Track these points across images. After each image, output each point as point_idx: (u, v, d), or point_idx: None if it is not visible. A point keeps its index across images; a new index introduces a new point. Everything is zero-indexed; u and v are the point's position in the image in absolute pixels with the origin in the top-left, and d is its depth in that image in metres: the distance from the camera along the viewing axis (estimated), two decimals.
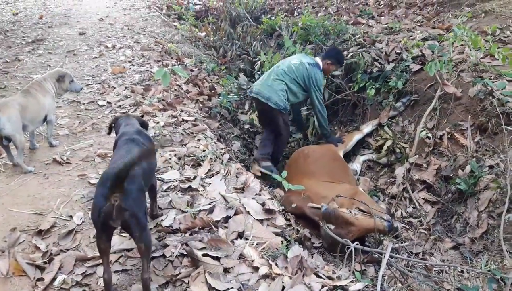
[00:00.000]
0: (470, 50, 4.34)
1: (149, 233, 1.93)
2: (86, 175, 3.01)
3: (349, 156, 4.85)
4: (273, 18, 7.90)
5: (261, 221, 2.67)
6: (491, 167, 3.37)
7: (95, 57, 5.90)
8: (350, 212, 2.83)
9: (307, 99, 4.96)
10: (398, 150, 4.29)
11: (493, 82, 3.88)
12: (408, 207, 3.72)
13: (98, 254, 2.16)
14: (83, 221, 2.53)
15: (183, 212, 2.58)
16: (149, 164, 2.12)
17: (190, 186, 2.88)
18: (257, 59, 6.60)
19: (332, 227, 2.78)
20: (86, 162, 3.20)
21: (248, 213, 2.68)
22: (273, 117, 4.47)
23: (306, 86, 4.45)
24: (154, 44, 6.72)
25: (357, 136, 4.79)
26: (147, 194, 2.48)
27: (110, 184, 1.73)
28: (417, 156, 4.01)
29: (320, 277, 2.21)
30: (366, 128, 4.87)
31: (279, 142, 4.67)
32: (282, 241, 2.51)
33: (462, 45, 4.68)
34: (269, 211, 2.77)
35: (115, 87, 4.67)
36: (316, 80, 4.38)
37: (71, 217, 2.56)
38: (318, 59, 4.52)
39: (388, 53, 5.30)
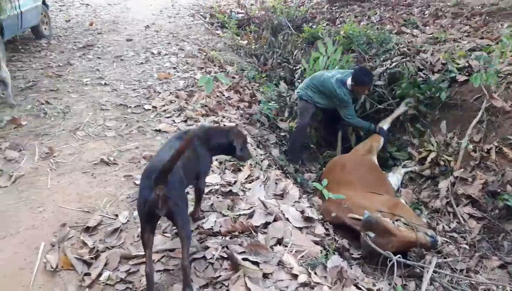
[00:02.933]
0: None
1: (189, 222, 2.11)
2: (132, 175, 3.11)
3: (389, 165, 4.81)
4: (314, 26, 7.90)
5: (300, 228, 2.66)
6: None
7: (141, 63, 6.10)
8: (394, 222, 2.78)
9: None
10: (442, 163, 4.17)
11: None
12: (452, 222, 3.59)
13: (141, 253, 2.24)
14: (128, 220, 2.61)
15: (223, 215, 2.62)
16: (190, 163, 2.23)
17: (230, 190, 2.92)
18: (298, 67, 6.62)
19: (373, 235, 2.73)
20: (132, 163, 3.31)
21: (287, 219, 2.68)
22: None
23: (333, 100, 4.71)
24: (197, 52, 6.87)
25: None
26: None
27: (155, 176, 1.85)
28: (462, 169, 3.88)
29: (360, 289, 2.18)
30: (385, 125, 4.90)
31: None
32: (321, 250, 2.50)
33: None
34: (308, 219, 2.76)
35: (160, 92, 4.80)
36: (337, 95, 4.56)
37: (116, 215, 2.65)
38: (349, 79, 4.55)
39: (433, 64, 5.18)
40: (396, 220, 2.86)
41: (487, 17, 7.27)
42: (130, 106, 4.39)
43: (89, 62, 6.10)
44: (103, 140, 3.68)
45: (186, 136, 1.94)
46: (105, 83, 5.13)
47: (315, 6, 10.68)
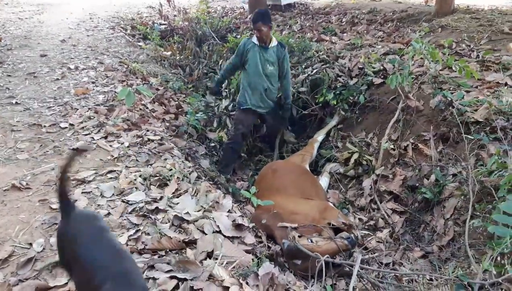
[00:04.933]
0: (429, 63, 4.50)
1: None
2: (47, 199, 2.88)
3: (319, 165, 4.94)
4: (238, 36, 7.97)
5: (231, 239, 2.62)
6: (454, 175, 3.46)
7: (57, 79, 5.74)
8: (311, 241, 2.80)
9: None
10: (364, 162, 4.35)
11: (452, 93, 4.02)
12: (377, 217, 3.74)
13: (60, 283, 2.08)
14: (43, 248, 2.40)
15: (148, 234, 2.50)
16: None
17: (157, 207, 2.81)
18: None
19: (299, 262, 2.73)
20: (47, 186, 3.07)
21: (218, 227, 2.63)
22: None
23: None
24: (118, 65, 6.62)
25: (316, 145, 5.01)
26: None
27: None
28: (383, 167, 4.08)
29: None
30: (320, 136, 5.11)
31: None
32: (253, 259, 2.47)
33: (421, 58, 4.85)
34: (239, 228, 2.72)
35: (78, 109, 4.53)
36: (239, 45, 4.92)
37: (30, 244, 2.43)
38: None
39: (351, 69, 5.42)
40: (313, 235, 2.90)
41: (398, 23, 7.81)
42: (44, 126, 4.09)
43: None
44: (14, 164, 3.38)
45: None
46: (16, 102, 4.74)
47: (239, 16, 10.81)
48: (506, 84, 4.14)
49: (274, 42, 4.77)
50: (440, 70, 4.59)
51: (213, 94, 5.51)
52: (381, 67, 5.20)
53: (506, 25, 5.96)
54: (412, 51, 4.39)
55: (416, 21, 7.69)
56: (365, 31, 7.55)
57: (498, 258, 2.34)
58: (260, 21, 4.60)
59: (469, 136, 3.51)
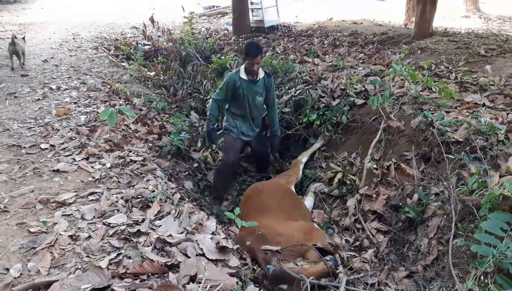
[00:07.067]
0: (410, 84, 4.59)
1: None
2: (26, 223, 2.80)
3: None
4: (222, 57, 8.04)
5: (215, 262, 2.57)
6: (436, 194, 3.49)
7: (38, 99, 5.67)
8: (297, 264, 2.76)
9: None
10: (348, 182, 4.37)
11: (432, 113, 4.10)
12: (362, 237, 3.74)
13: None
14: (21, 274, 2.33)
15: (130, 257, 2.45)
16: None
17: (139, 230, 2.75)
18: (208, 97, 6.64)
19: (285, 287, 2.69)
20: (26, 209, 2.99)
21: (202, 252, 2.59)
22: None
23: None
24: (101, 85, 6.58)
25: (301, 166, 5.03)
26: None
27: None
28: (366, 187, 4.10)
29: None
30: (304, 157, 5.15)
31: None
32: (237, 282, 2.43)
33: (402, 79, 4.94)
34: (223, 250, 2.68)
35: (59, 130, 4.47)
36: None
37: (7, 269, 2.35)
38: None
39: (333, 90, 5.50)
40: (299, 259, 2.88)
41: (378, 45, 8.00)
42: (24, 147, 4.01)
43: None
44: None
45: None
46: None
47: (223, 37, 10.92)
48: (484, 105, 4.25)
49: (261, 74, 4.75)
50: (420, 91, 4.68)
51: (215, 140, 5.12)
52: (363, 88, 5.29)
53: (482, 47, 6.16)
54: (393, 72, 4.48)
55: (396, 43, 7.89)
56: (347, 53, 7.70)
57: (482, 277, 2.35)
58: (260, 54, 4.56)
59: (450, 156, 3.57)
